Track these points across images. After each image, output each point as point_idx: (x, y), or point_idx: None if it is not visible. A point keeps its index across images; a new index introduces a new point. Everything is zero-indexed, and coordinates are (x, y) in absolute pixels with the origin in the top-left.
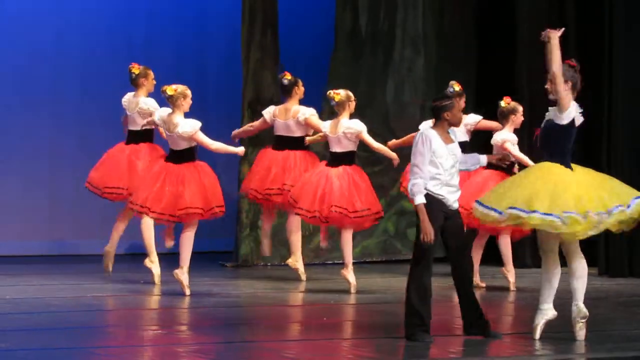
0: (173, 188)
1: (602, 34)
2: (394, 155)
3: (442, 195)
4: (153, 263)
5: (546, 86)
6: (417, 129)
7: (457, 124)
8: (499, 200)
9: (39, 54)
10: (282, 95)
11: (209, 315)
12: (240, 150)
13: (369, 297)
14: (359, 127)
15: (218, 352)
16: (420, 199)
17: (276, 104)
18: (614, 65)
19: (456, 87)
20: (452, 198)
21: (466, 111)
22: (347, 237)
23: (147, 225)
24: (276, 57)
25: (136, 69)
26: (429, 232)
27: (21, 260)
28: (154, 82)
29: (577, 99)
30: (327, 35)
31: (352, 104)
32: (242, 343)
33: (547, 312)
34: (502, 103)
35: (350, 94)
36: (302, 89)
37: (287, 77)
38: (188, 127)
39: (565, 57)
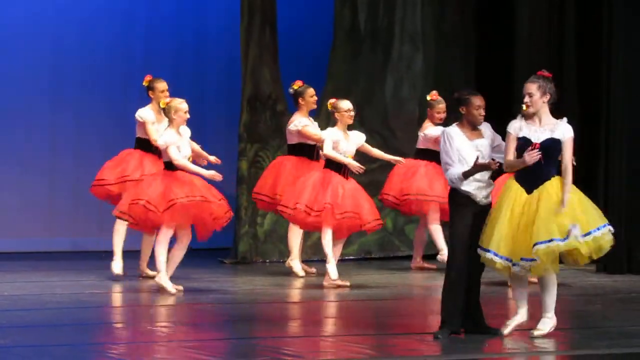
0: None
1: (602, 33)
2: (347, 161)
3: (468, 192)
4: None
5: (525, 100)
6: (415, 126)
7: (474, 120)
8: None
9: (39, 55)
10: None
11: (207, 311)
12: (210, 174)
13: (367, 293)
14: (323, 136)
15: (216, 348)
16: (459, 174)
17: (275, 101)
18: (614, 65)
19: (428, 97)
20: (480, 194)
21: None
22: (327, 237)
23: (117, 229)
24: (275, 55)
25: (145, 81)
26: (489, 163)
27: (19, 256)
28: (164, 94)
29: (576, 100)
30: (326, 32)
31: (342, 115)
32: (240, 340)
33: (553, 318)
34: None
35: (342, 105)
36: (308, 99)
37: (294, 86)
38: (162, 140)
39: (558, 60)
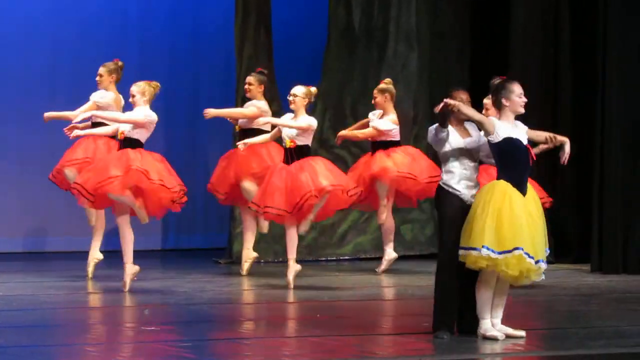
0: None
1: (597, 32)
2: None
3: (458, 191)
4: None
5: (524, 100)
6: (410, 125)
7: (457, 117)
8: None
9: (33, 55)
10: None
11: (202, 311)
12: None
13: (362, 293)
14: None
15: (211, 348)
16: (436, 125)
17: (271, 99)
18: (609, 65)
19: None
20: (469, 193)
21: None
22: (291, 234)
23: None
24: (269, 53)
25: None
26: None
27: (15, 257)
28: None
29: (570, 99)
30: (320, 31)
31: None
32: (236, 340)
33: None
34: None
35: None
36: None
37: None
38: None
39: (553, 58)
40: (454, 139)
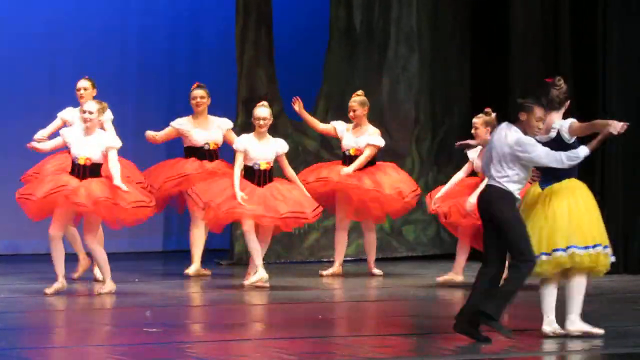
0: None
1: (597, 33)
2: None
3: (515, 195)
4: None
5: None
6: (412, 127)
7: (529, 130)
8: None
9: (33, 56)
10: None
11: (204, 313)
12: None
13: (364, 294)
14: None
15: (211, 350)
16: (585, 150)
17: (270, 102)
18: (608, 66)
19: (355, 96)
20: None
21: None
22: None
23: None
24: (270, 55)
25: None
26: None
27: (15, 259)
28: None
29: (572, 97)
30: (321, 32)
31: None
32: (237, 341)
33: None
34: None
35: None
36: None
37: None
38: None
39: (553, 60)
40: None
